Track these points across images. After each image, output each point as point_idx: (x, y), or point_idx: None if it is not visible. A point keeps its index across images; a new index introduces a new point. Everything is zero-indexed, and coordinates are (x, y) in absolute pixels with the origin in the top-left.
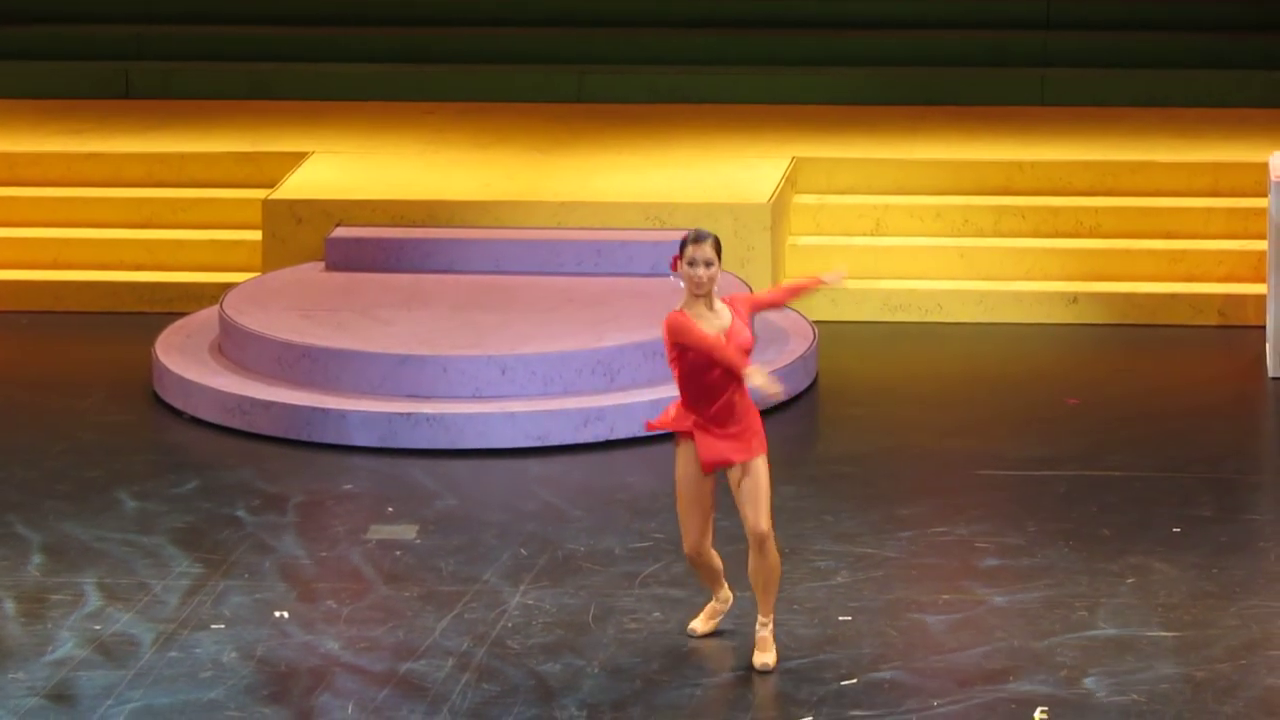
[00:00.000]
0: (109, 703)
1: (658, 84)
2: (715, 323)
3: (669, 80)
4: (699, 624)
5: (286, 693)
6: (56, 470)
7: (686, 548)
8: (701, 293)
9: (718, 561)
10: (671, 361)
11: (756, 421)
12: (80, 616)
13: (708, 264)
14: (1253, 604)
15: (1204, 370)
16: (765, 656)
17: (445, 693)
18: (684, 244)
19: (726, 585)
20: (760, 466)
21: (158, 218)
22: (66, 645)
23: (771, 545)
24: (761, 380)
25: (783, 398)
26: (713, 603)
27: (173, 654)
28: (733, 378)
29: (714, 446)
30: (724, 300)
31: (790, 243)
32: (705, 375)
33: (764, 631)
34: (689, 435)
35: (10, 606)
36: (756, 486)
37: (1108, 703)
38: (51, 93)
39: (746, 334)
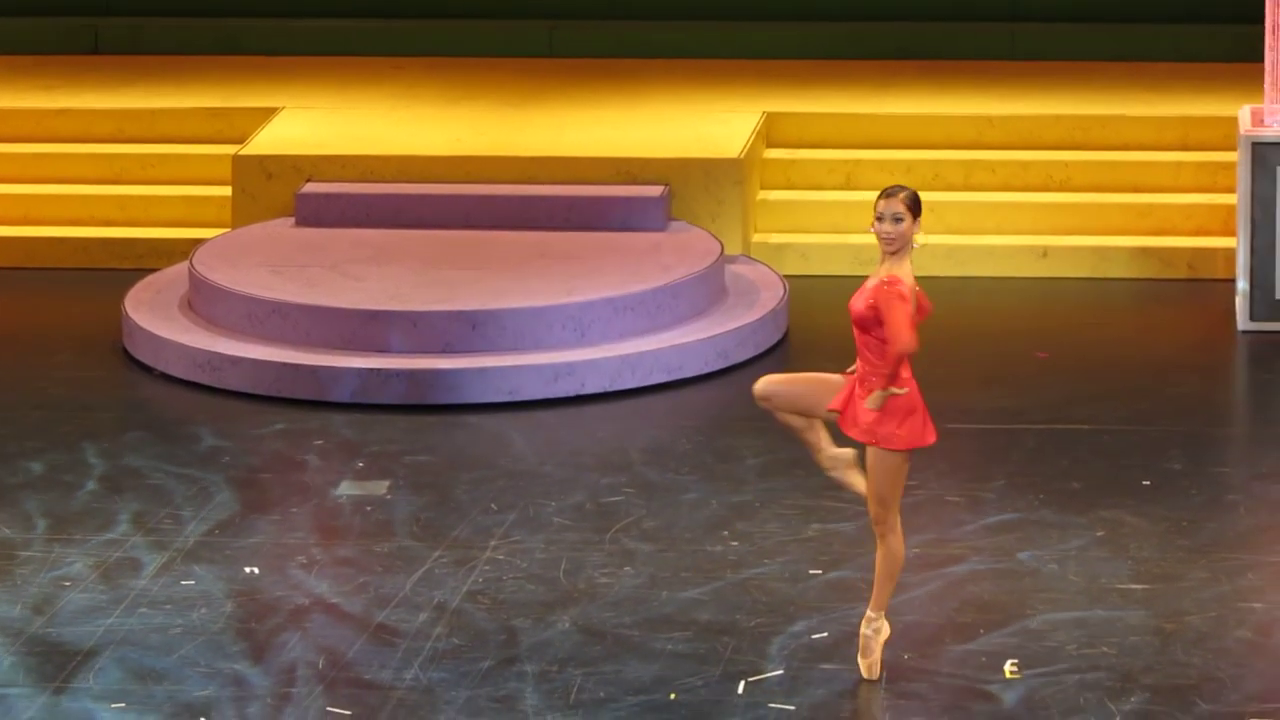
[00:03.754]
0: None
1: (628, 38)
2: None
3: (640, 34)
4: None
5: (255, 645)
6: (26, 429)
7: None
8: (890, 250)
9: (794, 420)
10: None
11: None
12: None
13: (896, 219)
14: (1222, 557)
15: (1174, 324)
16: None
17: (417, 647)
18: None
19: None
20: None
21: (128, 174)
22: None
23: (889, 536)
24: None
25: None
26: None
27: (141, 611)
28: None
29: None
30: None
31: (760, 197)
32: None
33: (868, 630)
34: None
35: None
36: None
37: (1078, 655)
38: (20, 49)
39: (927, 304)
